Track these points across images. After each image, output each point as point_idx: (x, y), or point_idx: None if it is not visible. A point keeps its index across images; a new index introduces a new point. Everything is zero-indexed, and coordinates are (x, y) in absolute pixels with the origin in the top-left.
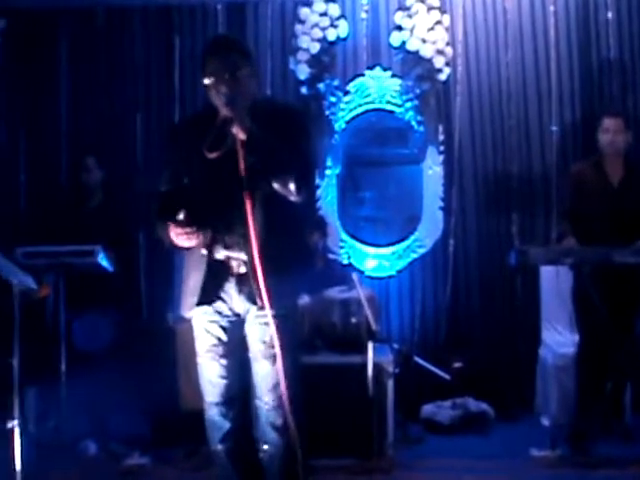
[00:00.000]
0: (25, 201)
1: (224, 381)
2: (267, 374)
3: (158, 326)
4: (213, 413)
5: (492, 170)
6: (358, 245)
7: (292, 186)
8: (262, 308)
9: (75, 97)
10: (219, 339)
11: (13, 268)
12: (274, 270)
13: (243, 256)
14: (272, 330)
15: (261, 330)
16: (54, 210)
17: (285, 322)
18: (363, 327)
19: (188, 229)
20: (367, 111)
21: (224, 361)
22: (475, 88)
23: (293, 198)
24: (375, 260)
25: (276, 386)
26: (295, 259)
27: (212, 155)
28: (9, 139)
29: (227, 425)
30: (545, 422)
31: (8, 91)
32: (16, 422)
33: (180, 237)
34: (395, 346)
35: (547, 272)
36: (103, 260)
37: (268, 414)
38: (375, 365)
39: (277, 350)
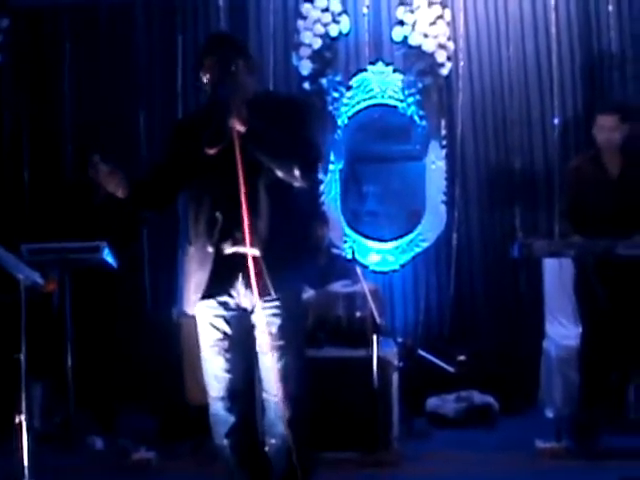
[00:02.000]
0: (29, 198)
1: (229, 375)
2: (274, 367)
3: (163, 321)
4: (218, 407)
5: (494, 164)
6: (362, 240)
7: (297, 172)
8: (268, 301)
9: (78, 94)
10: (224, 333)
11: (19, 263)
12: (278, 262)
13: (250, 250)
14: (275, 321)
15: (267, 322)
16: (59, 207)
17: (290, 314)
18: (367, 321)
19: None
20: (369, 106)
21: (229, 355)
22: (477, 82)
23: (297, 184)
24: (379, 254)
25: (284, 379)
26: (299, 252)
27: (212, 151)
28: (13, 137)
29: (232, 419)
30: (549, 414)
31: (12, 89)
32: (23, 417)
33: (105, 180)
34: (399, 340)
35: (550, 265)
36: (108, 256)
37: (276, 407)
38: (380, 358)
39: (272, 342)
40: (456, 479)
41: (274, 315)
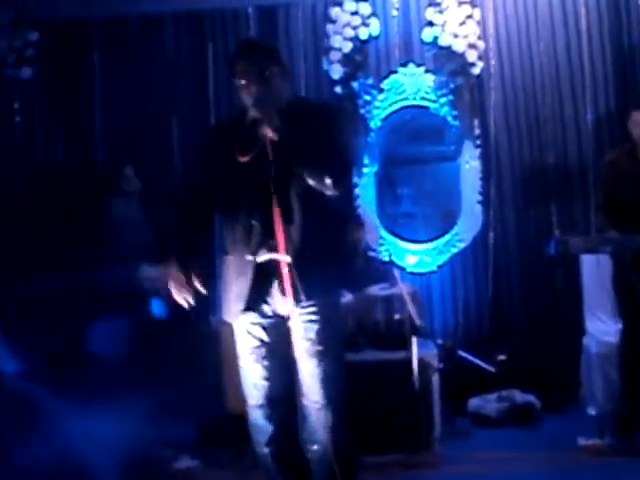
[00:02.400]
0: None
1: (267, 383)
2: (314, 373)
3: (203, 328)
4: (257, 416)
5: (529, 161)
6: (398, 242)
7: (328, 180)
8: (304, 307)
9: (109, 106)
10: (261, 340)
11: None
12: (312, 268)
13: (285, 257)
14: (312, 327)
15: (305, 328)
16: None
17: (327, 319)
18: (406, 323)
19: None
20: (402, 108)
21: (267, 362)
22: (509, 80)
23: (330, 192)
24: (416, 256)
25: (323, 384)
26: (333, 257)
27: (244, 159)
28: (45, 149)
29: (271, 428)
30: (591, 411)
31: (43, 102)
32: None
33: (175, 290)
34: (439, 341)
35: (588, 261)
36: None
37: (317, 413)
38: (420, 360)
39: (310, 348)
40: (499, 479)
41: (311, 321)
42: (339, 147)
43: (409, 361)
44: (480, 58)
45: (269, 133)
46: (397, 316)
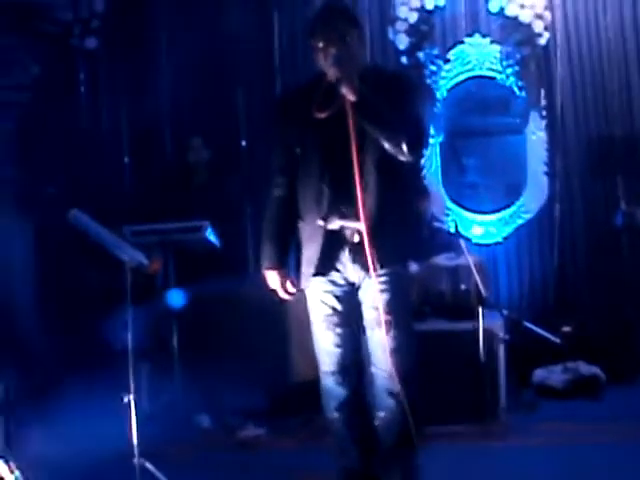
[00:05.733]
0: (131, 182)
1: (339, 350)
2: (383, 342)
3: (268, 297)
4: (329, 382)
5: (595, 133)
6: (464, 213)
7: (405, 146)
8: (376, 276)
9: (176, 77)
10: (334, 309)
11: (123, 245)
12: (386, 237)
13: (357, 224)
14: (382, 296)
15: (375, 297)
16: (161, 189)
17: (397, 289)
18: (472, 294)
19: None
20: (468, 78)
21: (339, 330)
22: (575, 51)
23: (404, 158)
24: (481, 227)
25: (392, 353)
26: (406, 227)
27: (321, 115)
28: (112, 122)
29: (343, 393)
30: None
31: (109, 73)
32: (131, 396)
33: (277, 287)
34: (504, 312)
35: None
36: (211, 235)
37: (384, 381)
38: (485, 331)
39: (382, 315)
40: (564, 450)
41: (382, 290)
42: (415, 115)
43: (475, 332)
44: (546, 29)
45: (348, 94)
46: (463, 286)
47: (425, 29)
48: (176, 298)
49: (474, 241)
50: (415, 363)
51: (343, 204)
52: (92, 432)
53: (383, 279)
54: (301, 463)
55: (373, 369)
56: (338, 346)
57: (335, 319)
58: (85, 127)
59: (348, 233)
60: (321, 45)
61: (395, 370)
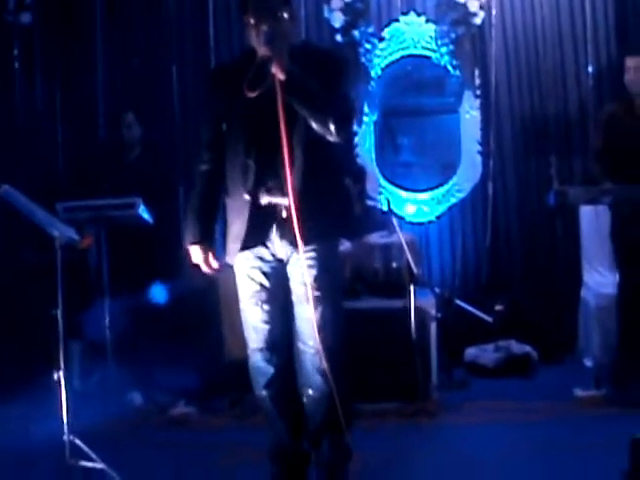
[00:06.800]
0: (64, 158)
1: (267, 326)
2: (310, 318)
3: (200, 277)
4: (257, 359)
5: (529, 112)
6: (397, 191)
7: (332, 126)
8: (303, 252)
9: (110, 51)
10: (261, 285)
11: (54, 220)
12: (313, 212)
13: (285, 200)
14: (310, 272)
15: (303, 273)
16: (93, 165)
17: (325, 265)
18: (404, 271)
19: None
20: (403, 57)
21: (267, 307)
22: (510, 31)
23: (332, 138)
24: (414, 205)
25: (320, 330)
26: (334, 202)
27: (252, 94)
28: (46, 97)
29: (271, 370)
30: (588, 363)
31: (44, 49)
32: (61, 373)
33: (200, 261)
34: (437, 290)
35: (587, 213)
36: (144, 212)
37: (313, 358)
38: (417, 309)
39: (307, 293)
40: (495, 428)
41: (310, 266)
42: (344, 95)
43: (407, 309)
44: (481, 8)
45: (278, 72)
46: (395, 264)
47: (360, 7)
48: (158, 294)
49: (407, 220)
50: (342, 340)
51: (270, 180)
52: (24, 410)
53: (311, 255)
54: (231, 440)
55: (300, 345)
56: (266, 322)
57: (263, 295)
58: (19, 103)
59: (276, 209)
60: (253, 22)
61: (322, 347)
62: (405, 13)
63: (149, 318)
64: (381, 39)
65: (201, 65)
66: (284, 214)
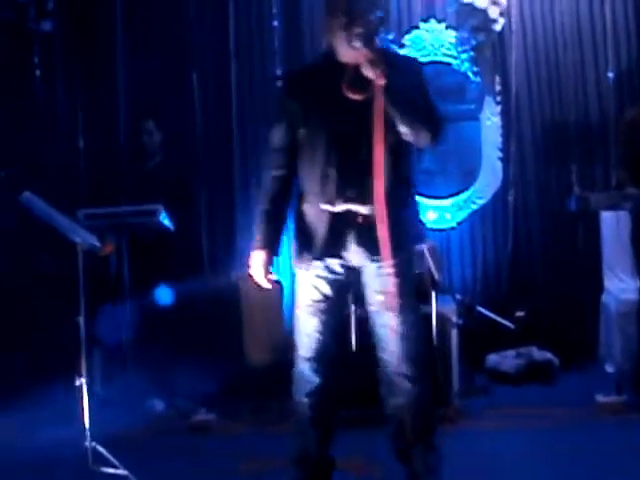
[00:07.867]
0: (85, 165)
1: (320, 337)
2: (391, 325)
3: (222, 283)
4: (304, 367)
5: (550, 118)
6: (418, 198)
7: (428, 133)
8: (382, 260)
9: (131, 60)
10: (324, 295)
11: (76, 227)
12: (396, 221)
13: (363, 209)
14: (393, 280)
15: (382, 282)
16: (114, 172)
17: (406, 272)
18: (426, 278)
19: (266, 278)
20: (423, 64)
21: (324, 317)
22: (530, 37)
23: (422, 145)
24: (436, 212)
25: (403, 337)
26: (412, 211)
27: (356, 97)
28: (67, 104)
29: (317, 380)
30: (609, 369)
31: (65, 57)
32: (83, 380)
33: (257, 276)
34: (458, 296)
35: (608, 219)
36: (165, 219)
37: (398, 365)
38: (439, 315)
39: (389, 302)
40: (516, 435)
41: (389, 275)
42: (432, 100)
43: (428, 316)
44: (502, 14)
45: (378, 77)
46: (416, 271)
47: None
48: (164, 296)
49: (428, 226)
50: (426, 346)
51: (350, 188)
52: (45, 416)
53: (391, 263)
54: (251, 448)
55: (383, 355)
56: (320, 333)
57: (322, 305)
58: (40, 110)
59: (353, 217)
60: (344, 23)
61: (407, 354)
62: (425, 20)
63: (170, 324)
64: (401, 46)
65: (221, 71)
66: (360, 221)
